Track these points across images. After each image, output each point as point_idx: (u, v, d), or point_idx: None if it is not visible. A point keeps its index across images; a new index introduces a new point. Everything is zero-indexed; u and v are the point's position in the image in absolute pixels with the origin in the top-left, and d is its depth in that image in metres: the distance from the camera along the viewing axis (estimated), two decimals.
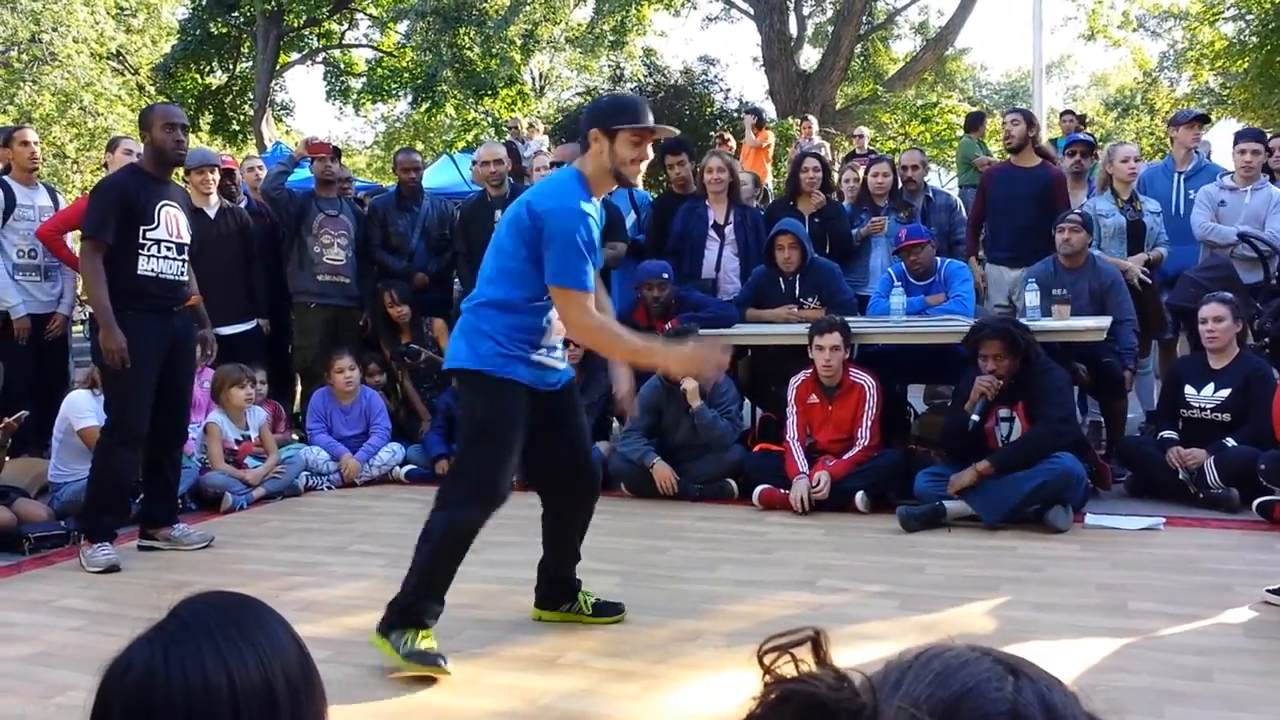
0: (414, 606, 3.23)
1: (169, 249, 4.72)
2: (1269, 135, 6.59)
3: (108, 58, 21.46)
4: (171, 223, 4.74)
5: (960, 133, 16.98)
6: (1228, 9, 19.83)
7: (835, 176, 7.69)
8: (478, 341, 3.27)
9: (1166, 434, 5.23)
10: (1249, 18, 19.23)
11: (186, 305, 4.93)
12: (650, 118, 3.27)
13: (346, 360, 6.37)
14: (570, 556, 3.67)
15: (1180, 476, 5.02)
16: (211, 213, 6.52)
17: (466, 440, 3.37)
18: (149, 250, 4.65)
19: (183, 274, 4.83)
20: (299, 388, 7.45)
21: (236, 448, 5.92)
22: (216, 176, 6.56)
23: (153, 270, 4.67)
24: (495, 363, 3.24)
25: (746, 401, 6.23)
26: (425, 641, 3.18)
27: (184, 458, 5.70)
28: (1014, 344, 4.82)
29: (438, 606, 3.28)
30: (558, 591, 3.68)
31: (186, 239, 4.84)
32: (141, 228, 4.63)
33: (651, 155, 3.30)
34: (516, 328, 3.27)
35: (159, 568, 4.56)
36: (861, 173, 7.49)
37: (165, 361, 4.71)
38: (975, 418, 4.94)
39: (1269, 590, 3.56)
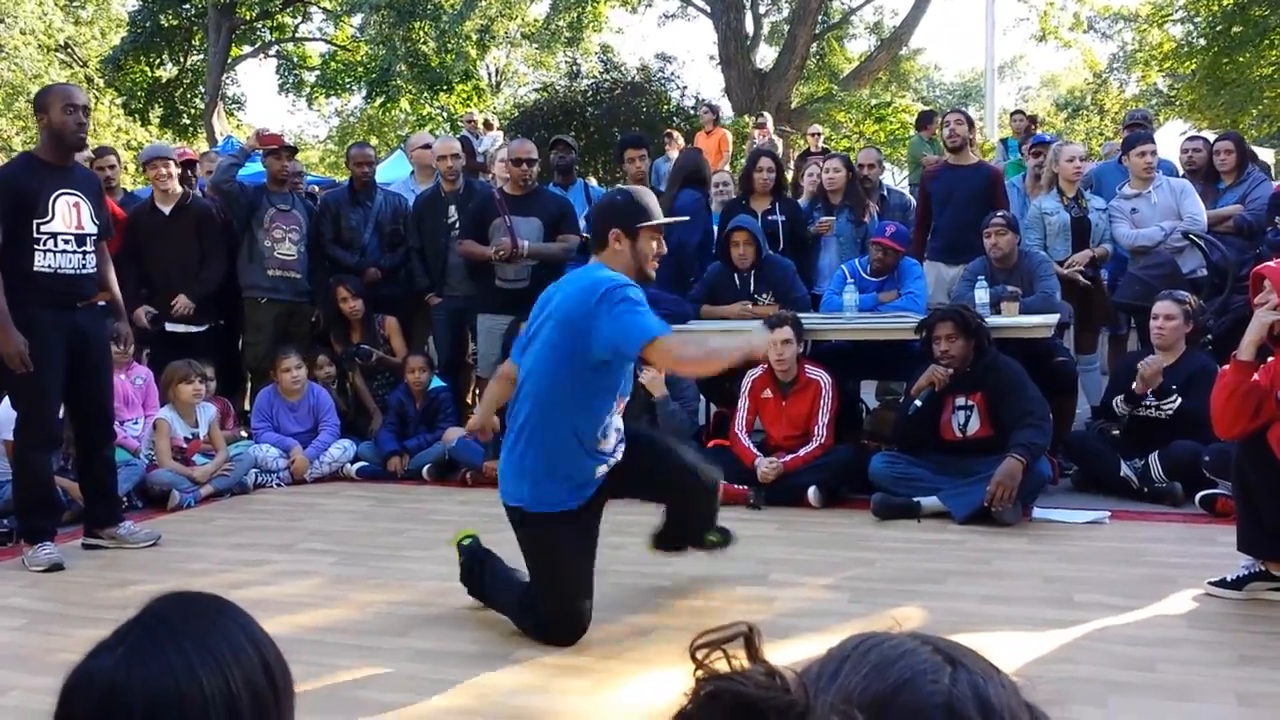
0: None
1: (67, 242, 4.44)
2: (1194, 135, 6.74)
3: (56, 50, 21.11)
4: (70, 214, 4.45)
5: (914, 132, 17.09)
6: (1176, 11, 20.15)
7: (790, 174, 7.71)
8: None
9: (1118, 400, 5.29)
10: (1197, 20, 19.56)
11: (94, 301, 4.65)
12: (658, 211, 3.42)
13: (293, 359, 6.30)
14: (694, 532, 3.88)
15: (1123, 473, 5.10)
16: (167, 208, 6.42)
17: None
18: (44, 245, 4.39)
19: (85, 267, 4.54)
20: (249, 384, 7.35)
21: (185, 445, 5.84)
22: (172, 170, 6.47)
23: (49, 266, 4.41)
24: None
25: (701, 398, 6.24)
26: None
27: (131, 455, 5.64)
28: (965, 325, 4.93)
29: None
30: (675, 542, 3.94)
31: (90, 229, 4.54)
32: (34, 221, 4.35)
33: (665, 249, 3.44)
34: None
35: (104, 566, 4.48)
36: (818, 170, 7.53)
37: (74, 360, 4.52)
38: (917, 403, 5.06)
39: (1211, 582, 3.62)
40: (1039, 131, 10.95)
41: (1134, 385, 5.12)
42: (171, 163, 6.54)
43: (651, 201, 3.41)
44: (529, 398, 3.31)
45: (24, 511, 4.56)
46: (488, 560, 3.67)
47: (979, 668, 0.73)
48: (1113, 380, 5.70)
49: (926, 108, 15.61)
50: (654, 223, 3.34)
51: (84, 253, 4.53)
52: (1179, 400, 5.08)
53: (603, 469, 3.39)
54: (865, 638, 0.76)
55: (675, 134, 11.14)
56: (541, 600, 3.35)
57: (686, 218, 3.92)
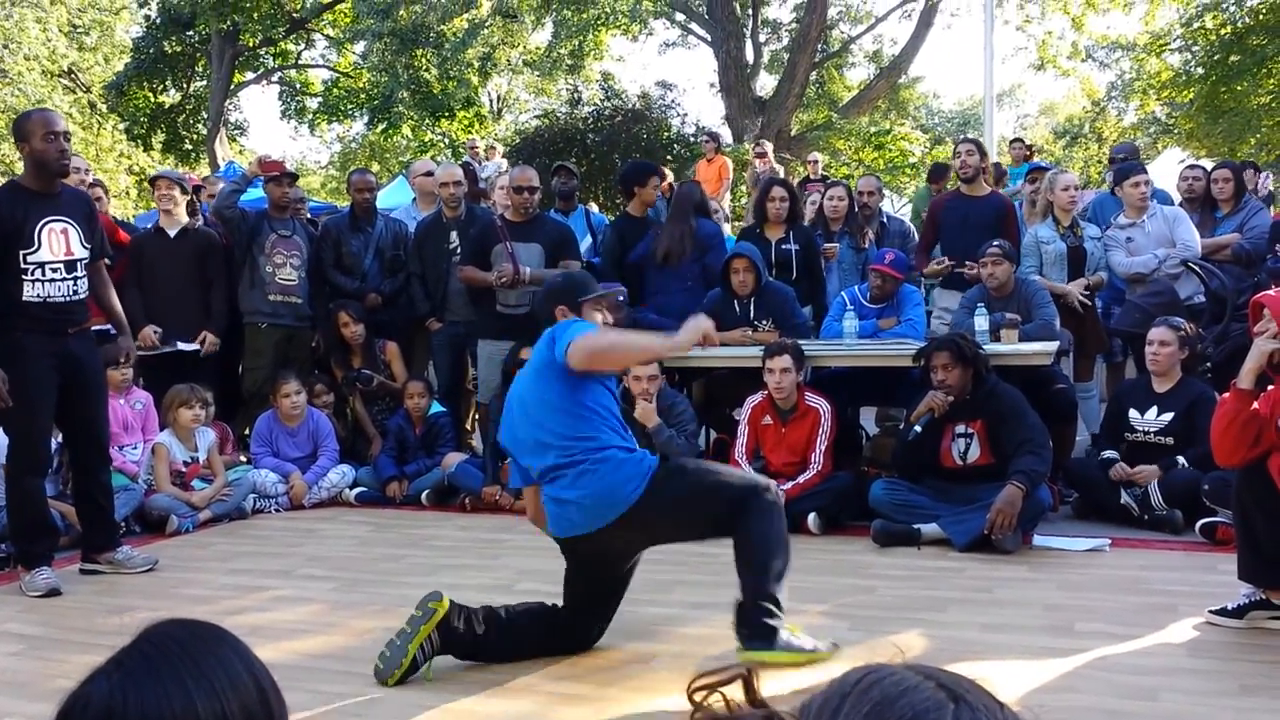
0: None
1: (55, 270, 4.41)
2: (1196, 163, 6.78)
3: (59, 75, 21.18)
4: (57, 241, 4.41)
5: (913, 160, 17.07)
6: (1174, 40, 20.23)
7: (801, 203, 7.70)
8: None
9: (1108, 454, 5.30)
10: (1195, 49, 19.64)
11: (86, 327, 4.64)
12: (597, 285, 3.76)
13: (293, 384, 6.30)
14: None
15: (1123, 500, 5.09)
16: (172, 231, 6.45)
17: None
18: (32, 275, 4.36)
19: (77, 293, 4.51)
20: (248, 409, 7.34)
21: (184, 469, 5.83)
22: (178, 197, 6.49)
23: (39, 295, 4.38)
24: None
25: (701, 424, 6.23)
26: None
27: (129, 480, 5.63)
28: (961, 354, 4.95)
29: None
30: None
31: (80, 253, 4.50)
32: (20, 252, 4.33)
33: (611, 319, 3.73)
34: None
35: (101, 591, 4.47)
36: (819, 197, 7.54)
37: (67, 386, 4.51)
38: (917, 429, 5.07)
39: (1211, 611, 3.61)
40: (1037, 159, 10.99)
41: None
42: (178, 188, 6.56)
43: (588, 279, 3.82)
44: (543, 446, 3.36)
45: (19, 536, 4.56)
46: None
47: (982, 704, 0.72)
48: (1107, 411, 5.68)
49: (926, 135, 15.66)
50: (594, 295, 3.63)
51: (74, 279, 4.50)
52: (1170, 415, 5.10)
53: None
54: (866, 671, 0.75)
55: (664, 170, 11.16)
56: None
57: (623, 288, 4.50)
